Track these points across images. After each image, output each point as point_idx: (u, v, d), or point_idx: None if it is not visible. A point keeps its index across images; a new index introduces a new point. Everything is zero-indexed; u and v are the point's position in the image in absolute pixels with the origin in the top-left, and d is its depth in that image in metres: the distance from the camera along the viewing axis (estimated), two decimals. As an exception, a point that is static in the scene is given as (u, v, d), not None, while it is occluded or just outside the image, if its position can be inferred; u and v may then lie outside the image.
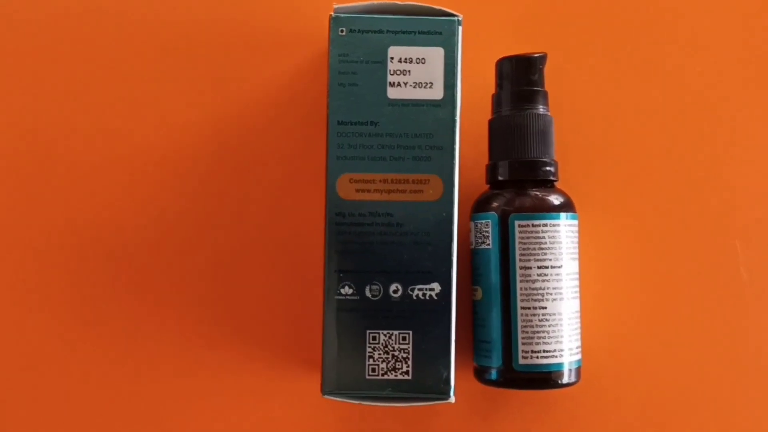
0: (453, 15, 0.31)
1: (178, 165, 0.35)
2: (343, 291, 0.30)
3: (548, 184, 0.33)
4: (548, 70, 0.34)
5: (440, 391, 0.30)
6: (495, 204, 0.32)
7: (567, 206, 0.33)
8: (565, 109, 0.35)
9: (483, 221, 0.32)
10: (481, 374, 0.33)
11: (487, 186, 0.34)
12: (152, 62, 0.36)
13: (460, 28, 0.31)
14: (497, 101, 0.34)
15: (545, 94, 0.33)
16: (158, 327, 0.34)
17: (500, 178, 0.33)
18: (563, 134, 0.35)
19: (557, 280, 0.32)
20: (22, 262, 0.35)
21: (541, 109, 0.33)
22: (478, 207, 0.33)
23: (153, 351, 0.34)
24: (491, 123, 0.34)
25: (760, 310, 0.36)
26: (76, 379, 0.35)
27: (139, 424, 0.34)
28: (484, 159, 0.34)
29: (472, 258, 0.33)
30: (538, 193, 0.33)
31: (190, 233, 0.35)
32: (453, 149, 0.30)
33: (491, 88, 0.34)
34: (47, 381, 0.35)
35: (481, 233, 0.33)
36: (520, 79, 0.33)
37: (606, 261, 0.36)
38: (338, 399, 0.30)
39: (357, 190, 0.30)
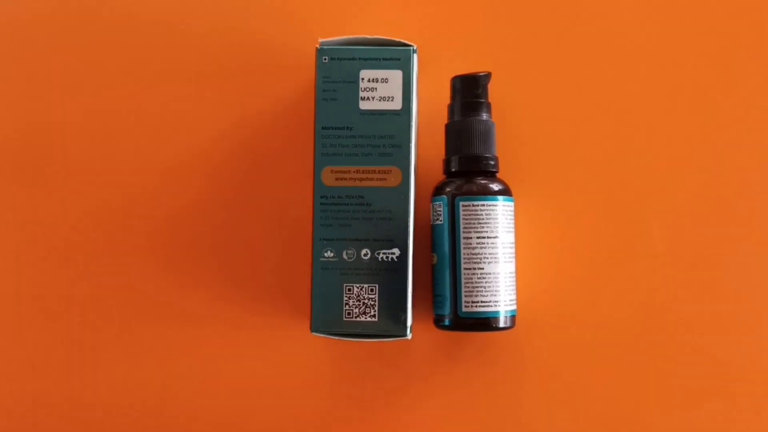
0: (409, 45, 0.40)
1: (198, 158, 0.45)
2: (326, 254, 0.40)
3: (490, 175, 0.42)
4: (496, 83, 0.43)
5: (399, 330, 0.40)
6: (447, 189, 0.42)
7: (504, 191, 0.42)
8: (513, 114, 0.45)
9: (438, 203, 0.42)
10: (437, 321, 0.42)
11: (444, 175, 0.43)
12: (169, 75, 0.46)
13: (415, 55, 0.40)
14: (451, 110, 0.43)
15: (488, 105, 0.43)
16: (176, 282, 0.45)
17: (453, 169, 0.42)
18: (508, 134, 0.44)
19: (493, 247, 0.41)
20: (45, 217, 0.46)
21: (484, 117, 0.42)
22: (435, 192, 0.43)
23: (172, 303, 0.45)
24: (446, 127, 0.43)
25: (671, 277, 0.45)
26: (92, 321, 0.45)
27: (152, 367, 0.45)
28: (442, 154, 0.43)
29: (431, 231, 0.43)
30: (481, 180, 0.42)
31: (207, 211, 0.45)
32: (409, 147, 0.40)
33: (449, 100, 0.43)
34: (62, 325, 0.45)
35: (436, 212, 0.42)
36: (467, 93, 0.42)
37: (541, 234, 0.45)
38: (323, 335, 0.40)
39: (336, 179, 0.40)
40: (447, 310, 0.41)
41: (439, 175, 0.43)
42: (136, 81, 0.46)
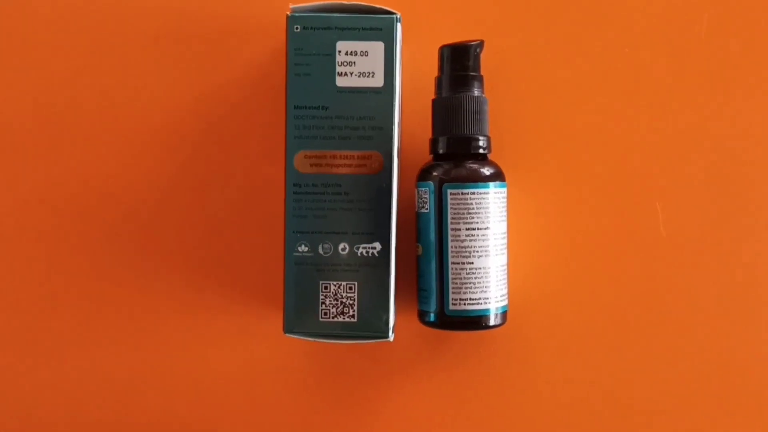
0: (392, 13, 0.36)
1: (166, 143, 0.41)
2: (300, 249, 0.36)
3: (481, 157, 0.38)
4: (488, 54, 0.38)
5: (380, 331, 0.36)
6: (434, 174, 0.38)
7: (496, 176, 0.38)
8: (502, 89, 0.40)
9: (423, 189, 0.38)
10: (421, 317, 0.39)
11: (431, 156, 0.39)
12: (139, 54, 0.41)
13: (399, 24, 0.36)
14: (438, 84, 0.39)
15: (480, 78, 0.38)
16: (156, 277, 0.41)
17: (440, 151, 0.38)
18: (502, 110, 0.40)
19: (483, 239, 0.37)
20: (38, 216, 0.42)
21: (476, 92, 0.38)
22: (421, 176, 0.39)
23: (151, 297, 0.41)
24: (433, 103, 0.39)
25: (676, 262, 0.41)
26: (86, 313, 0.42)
27: (119, 365, 0.41)
28: (429, 132, 0.39)
29: (416, 219, 0.39)
30: (471, 165, 0.38)
31: (179, 201, 0.41)
32: (392, 129, 0.36)
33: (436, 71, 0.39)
34: (59, 312, 0.42)
35: (421, 199, 0.38)
36: (457, 64, 0.38)
37: (538, 220, 0.41)
38: (297, 337, 0.36)
39: (311, 165, 0.36)
40: (432, 306, 0.38)
41: (425, 156, 0.39)
42: (89, 49, 0.41)
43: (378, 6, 0.36)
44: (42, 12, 0.42)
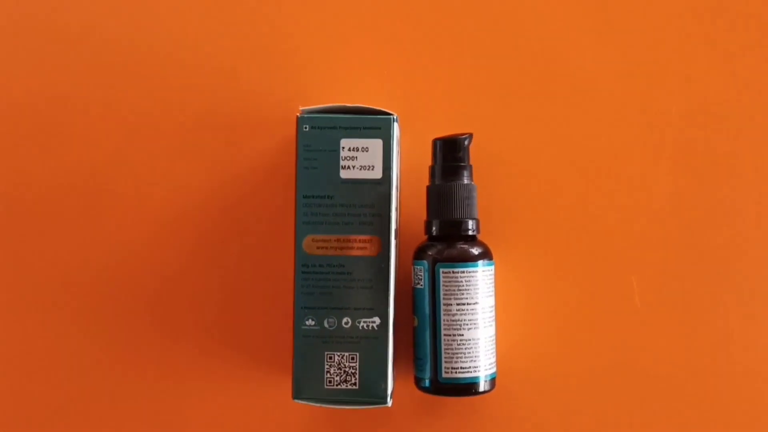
0: (389, 114, 0.40)
1: (187, 225, 0.46)
2: (307, 322, 0.40)
3: (470, 238, 0.43)
4: (477, 144, 0.43)
5: (380, 397, 0.40)
6: (428, 253, 0.42)
7: (484, 255, 0.42)
8: (490, 174, 0.45)
9: (419, 266, 0.42)
10: (417, 382, 0.43)
11: (426, 236, 0.44)
12: (164, 144, 0.46)
13: (396, 123, 0.40)
14: (432, 172, 0.43)
15: (470, 167, 0.43)
16: (158, 343, 0.46)
17: (434, 233, 0.43)
18: (490, 194, 0.44)
19: (473, 313, 0.41)
20: (42, 279, 0.46)
21: (465, 180, 0.42)
22: (416, 255, 0.43)
23: (166, 366, 0.45)
24: (428, 189, 0.43)
25: (650, 330, 0.45)
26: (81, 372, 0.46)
27: (147, 422, 0.45)
28: (425, 215, 0.43)
29: (413, 293, 0.43)
30: (461, 245, 0.42)
31: (197, 279, 0.46)
32: (389, 216, 0.40)
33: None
34: (52, 359, 0.46)
35: (417, 275, 0.42)
36: (448, 155, 0.42)
37: (523, 293, 0.45)
38: (304, 402, 0.40)
39: (318, 248, 0.40)
40: (427, 373, 0.42)
41: (421, 235, 0.44)
42: (117, 134, 0.46)
43: (377, 108, 0.40)
44: (73, 89, 0.47)
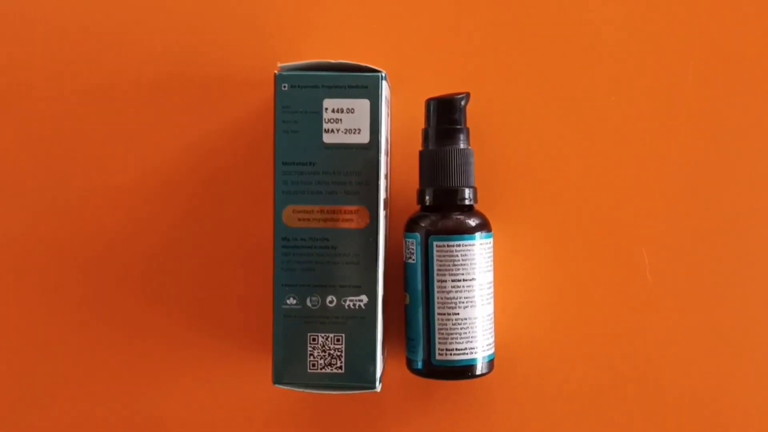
0: (377, 71, 0.36)
1: (156, 196, 0.42)
2: (288, 301, 0.37)
3: (467, 208, 0.39)
4: (474, 105, 0.39)
5: (368, 382, 0.37)
6: (420, 225, 0.38)
7: (482, 227, 0.39)
8: (488, 139, 0.41)
9: (410, 240, 0.39)
10: (409, 364, 0.40)
11: (418, 206, 0.40)
12: (131, 107, 0.42)
13: (384, 82, 0.36)
14: (425, 136, 0.39)
15: (466, 131, 0.39)
16: (147, 327, 0.42)
17: (427, 203, 0.39)
18: (488, 160, 0.41)
19: (469, 290, 0.38)
20: (36, 266, 0.43)
21: (462, 144, 0.39)
22: (408, 227, 0.39)
23: (143, 347, 0.42)
24: (420, 155, 0.39)
25: (663, 308, 0.42)
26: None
27: (127, 405, 0.42)
28: (417, 181, 0.40)
29: (404, 268, 0.40)
30: (457, 216, 0.38)
31: (169, 253, 0.42)
32: (377, 185, 0.36)
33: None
34: (55, 357, 0.43)
35: (409, 249, 0.39)
36: (443, 117, 0.39)
37: (524, 268, 0.42)
38: (286, 388, 0.37)
39: (299, 219, 0.37)
40: (420, 355, 0.38)
41: (414, 204, 0.40)
42: (82, 99, 0.42)
43: (364, 64, 0.36)
44: (36, 64, 0.43)
